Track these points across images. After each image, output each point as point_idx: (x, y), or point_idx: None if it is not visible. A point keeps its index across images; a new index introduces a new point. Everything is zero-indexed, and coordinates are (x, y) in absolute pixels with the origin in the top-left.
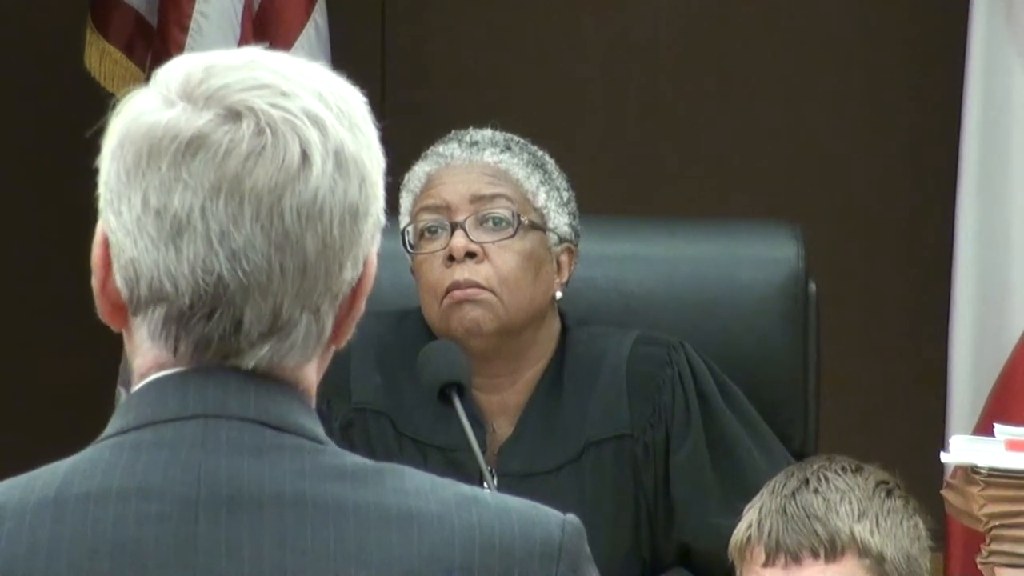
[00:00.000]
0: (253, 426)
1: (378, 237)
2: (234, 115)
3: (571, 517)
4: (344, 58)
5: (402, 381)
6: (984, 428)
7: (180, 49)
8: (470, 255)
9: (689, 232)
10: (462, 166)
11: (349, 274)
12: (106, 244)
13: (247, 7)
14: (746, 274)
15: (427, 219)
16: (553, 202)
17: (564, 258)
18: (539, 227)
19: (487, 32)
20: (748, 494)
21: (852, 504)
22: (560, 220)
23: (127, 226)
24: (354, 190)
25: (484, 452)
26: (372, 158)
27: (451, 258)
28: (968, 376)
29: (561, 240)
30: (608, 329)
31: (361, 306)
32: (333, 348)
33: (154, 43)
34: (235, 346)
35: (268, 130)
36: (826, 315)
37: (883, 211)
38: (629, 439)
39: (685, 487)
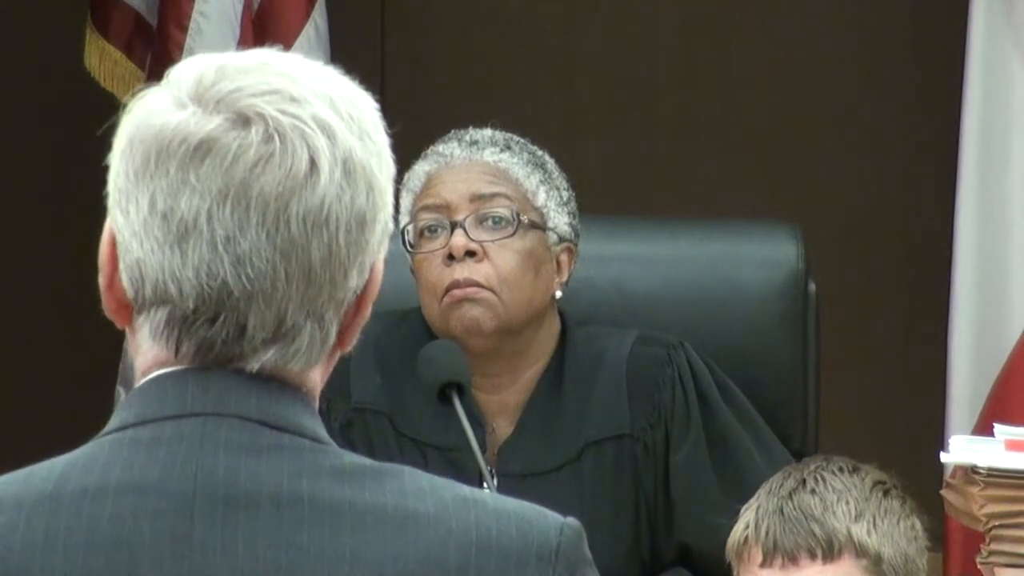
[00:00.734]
0: (252, 425)
1: (386, 243)
2: (244, 120)
3: (571, 520)
4: (344, 58)
5: (402, 381)
6: (983, 428)
7: (179, 49)
8: (470, 254)
9: (689, 232)
10: (462, 165)
11: (354, 281)
12: (113, 242)
13: (247, 7)
14: (746, 274)
15: (427, 218)
16: (553, 201)
17: (564, 257)
18: (539, 226)
19: (487, 32)
20: (748, 494)
21: (849, 504)
22: (560, 219)
23: (134, 227)
24: (362, 198)
25: (484, 452)
26: (381, 165)
27: (451, 257)
28: (968, 376)
29: (561, 239)
30: (608, 329)
31: (367, 312)
32: (338, 353)
33: (154, 43)
34: (239, 351)
35: (277, 137)
36: (826, 315)
37: (883, 211)
38: (629, 439)
39: (685, 487)
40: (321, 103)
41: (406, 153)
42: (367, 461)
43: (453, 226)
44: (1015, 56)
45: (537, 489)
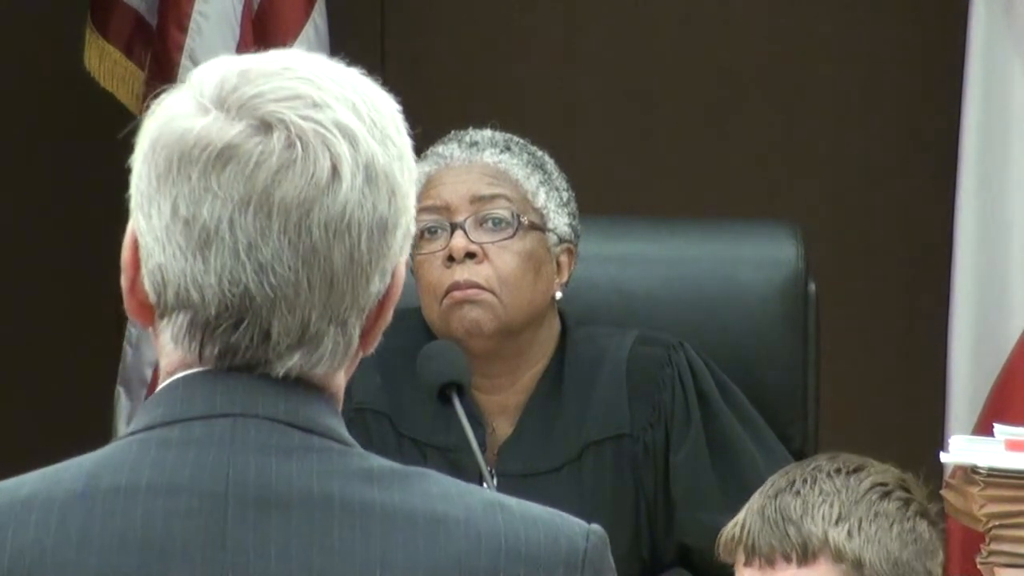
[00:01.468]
0: (281, 427)
1: (407, 247)
2: (265, 127)
3: (595, 527)
4: (344, 59)
5: (402, 381)
6: (983, 428)
7: (179, 49)
8: (470, 255)
9: (689, 232)
10: (462, 167)
11: (377, 286)
12: (135, 245)
13: (246, 7)
14: (746, 274)
15: (427, 219)
16: (553, 202)
17: (564, 258)
18: (539, 227)
19: (487, 33)
20: (747, 494)
21: (833, 508)
22: (560, 220)
23: (156, 232)
24: (383, 204)
25: (484, 452)
26: (403, 169)
27: (451, 258)
28: (967, 376)
29: (561, 240)
30: (608, 329)
31: (388, 316)
32: (360, 355)
33: (153, 43)
34: (264, 356)
35: (299, 143)
36: (826, 315)
37: (883, 211)
38: (629, 439)
39: (685, 487)
40: (343, 108)
41: None
42: (394, 464)
43: (453, 228)
44: (1015, 56)
45: (537, 489)
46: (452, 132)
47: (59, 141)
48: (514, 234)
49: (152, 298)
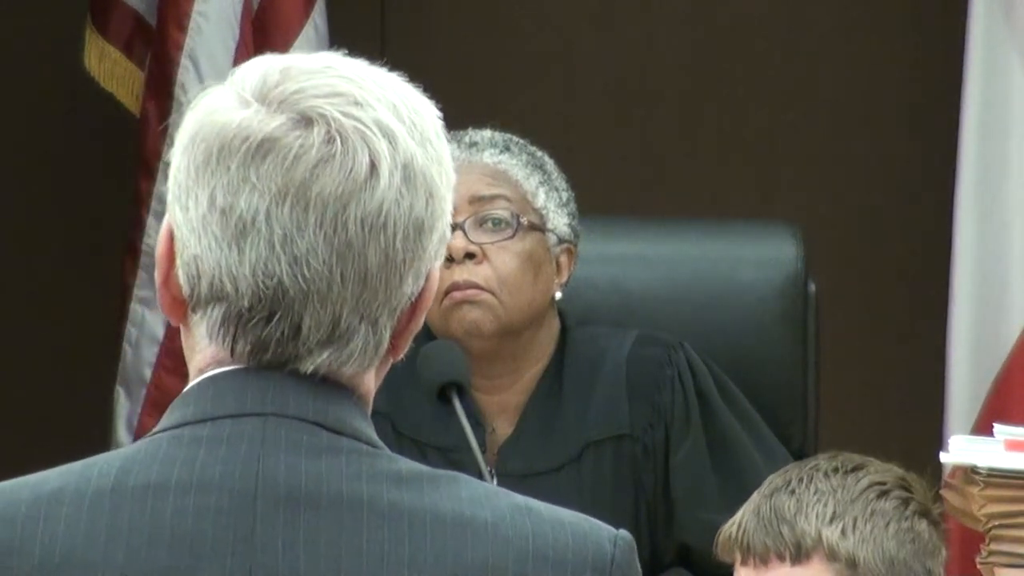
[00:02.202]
0: (311, 427)
1: (442, 252)
2: (306, 121)
3: (623, 532)
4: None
5: (402, 381)
6: (983, 428)
7: (179, 49)
8: (469, 256)
9: (689, 232)
10: (461, 167)
11: (410, 287)
12: (171, 238)
13: (246, 7)
14: (746, 274)
15: None
16: (552, 203)
17: (564, 259)
18: (538, 228)
19: (487, 33)
20: (747, 494)
21: (828, 507)
22: (559, 221)
23: (192, 223)
24: (420, 204)
25: (484, 452)
26: (442, 174)
27: (450, 259)
28: (967, 376)
29: (560, 241)
30: (608, 329)
31: (420, 320)
32: (391, 360)
33: (153, 43)
34: (293, 351)
35: (338, 138)
36: (825, 315)
37: (882, 211)
38: (629, 439)
39: (684, 487)
40: (384, 108)
41: None
42: (423, 467)
43: (452, 228)
44: (1014, 57)
45: (537, 489)
46: (451, 133)
47: (59, 141)
48: (513, 234)
49: (186, 290)
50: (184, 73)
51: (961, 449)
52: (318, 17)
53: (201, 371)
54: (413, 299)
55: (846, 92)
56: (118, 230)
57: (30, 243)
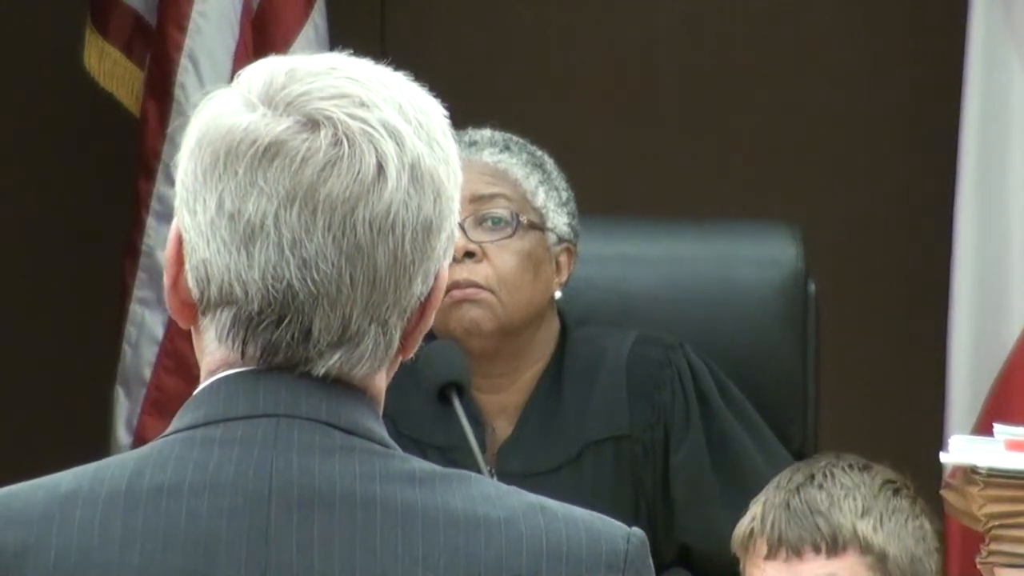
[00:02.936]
0: (324, 428)
1: (451, 252)
2: (312, 124)
3: (636, 530)
4: None
5: (401, 381)
6: (983, 428)
7: (178, 49)
8: (469, 255)
9: (689, 232)
10: (461, 166)
11: (419, 288)
12: (179, 241)
13: (246, 7)
14: (746, 274)
15: None
16: (552, 202)
17: (563, 258)
18: (538, 227)
19: (486, 33)
20: (747, 494)
21: (856, 501)
22: (559, 220)
23: (200, 227)
24: (428, 205)
25: (484, 452)
26: (449, 173)
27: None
28: (967, 376)
29: (560, 240)
30: (607, 329)
31: (430, 319)
32: (400, 359)
33: (153, 43)
34: (304, 354)
35: (345, 141)
36: (825, 315)
37: (882, 211)
38: (628, 439)
39: (684, 487)
40: (390, 108)
41: None
42: (436, 466)
43: None
44: (1014, 56)
45: (537, 489)
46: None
47: (58, 141)
48: (513, 233)
49: (195, 294)
50: (184, 73)
51: (961, 449)
52: (318, 17)
53: (211, 373)
54: (422, 299)
55: (846, 92)
56: (118, 230)
57: (30, 243)
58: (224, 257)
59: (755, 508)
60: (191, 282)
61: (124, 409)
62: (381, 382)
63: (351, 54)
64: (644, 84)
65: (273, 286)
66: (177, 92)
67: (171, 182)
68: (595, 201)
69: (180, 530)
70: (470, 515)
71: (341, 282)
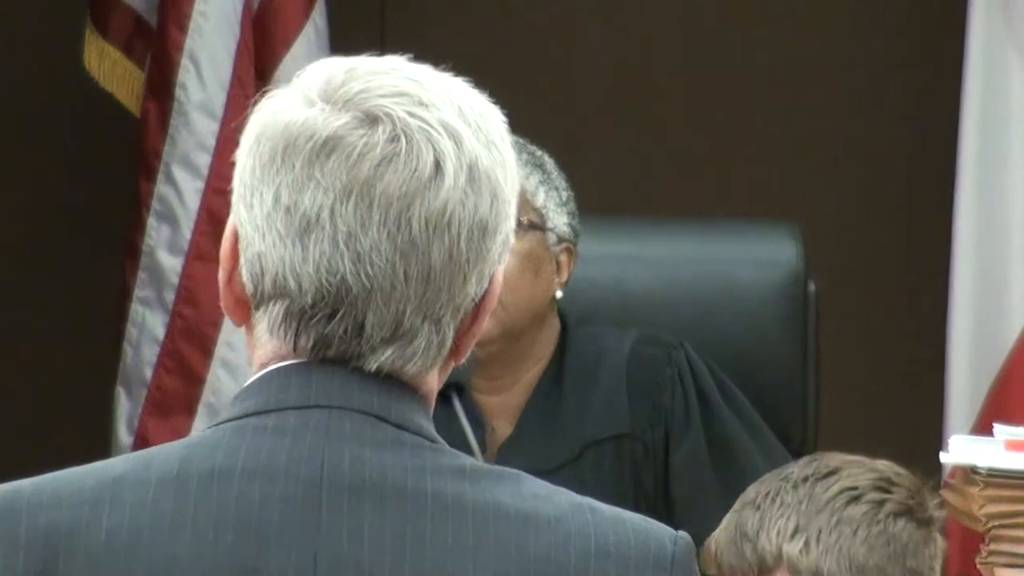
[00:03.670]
0: (375, 421)
1: (506, 256)
2: (371, 119)
3: (682, 533)
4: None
5: None
6: (983, 427)
7: (179, 49)
8: None
9: (689, 232)
10: None
11: (473, 288)
12: (235, 237)
13: (246, 7)
14: (746, 274)
15: None
16: (552, 202)
17: (563, 258)
18: (538, 227)
19: (486, 33)
20: None
21: (790, 520)
22: (559, 220)
23: (257, 221)
24: (485, 205)
25: (484, 452)
26: (506, 177)
27: None
28: (967, 375)
29: (560, 240)
30: (608, 329)
31: (484, 323)
32: (452, 363)
33: (153, 43)
34: (357, 349)
35: (403, 137)
36: (825, 315)
37: (882, 211)
38: (629, 438)
39: (684, 487)
40: (449, 109)
41: None
42: (485, 464)
43: None
44: (1014, 57)
45: None
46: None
47: (59, 141)
48: None
49: (249, 289)
50: (184, 73)
51: (961, 449)
52: (318, 17)
53: (263, 366)
54: (476, 301)
55: (846, 92)
56: (118, 231)
57: (31, 243)
58: (279, 250)
59: (719, 527)
60: (245, 276)
61: (125, 409)
62: (433, 382)
63: (350, 53)
64: (644, 84)
65: (327, 279)
66: (178, 92)
67: (171, 182)
68: (595, 201)
69: (231, 514)
70: (520, 511)
71: (395, 278)
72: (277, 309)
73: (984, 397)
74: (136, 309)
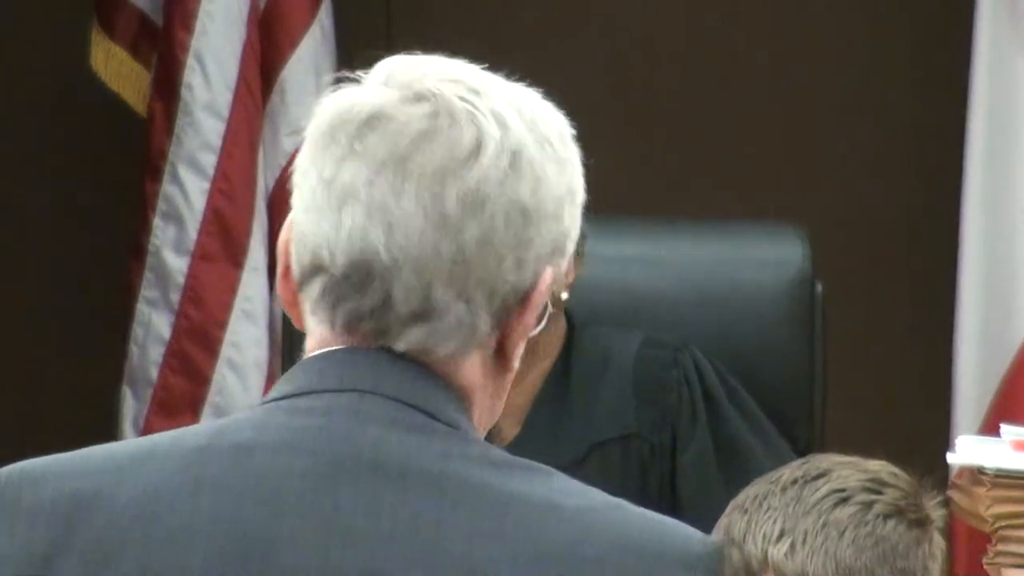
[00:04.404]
0: (406, 407)
1: (560, 260)
2: (419, 97)
3: (710, 537)
4: (350, 59)
5: None
6: (990, 428)
7: (185, 49)
8: None
9: (695, 233)
10: None
11: (512, 275)
12: (290, 227)
13: (252, 7)
14: (752, 275)
15: None
16: None
17: (572, 260)
18: None
19: (493, 33)
20: None
21: (776, 524)
22: None
23: (305, 200)
24: (526, 191)
25: None
26: (563, 175)
27: None
28: (974, 376)
29: None
30: (613, 330)
31: (530, 321)
32: (504, 371)
33: (159, 43)
34: (385, 324)
35: (446, 114)
36: (832, 316)
37: (889, 212)
38: (635, 439)
39: (691, 488)
40: (504, 102)
41: None
42: (519, 459)
43: None
44: (1020, 58)
45: None
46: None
47: (63, 141)
48: None
49: (295, 272)
50: (190, 73)
51: (968, 449)
52: (325, 17)
53: (309, 354)
54: (521, 294)
55: (853, 93)
56: (124, 231)
57: (36, 243)
58: (317, 223)
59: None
60: (293, 260)
61: (131, 409)
62: (472, 375)
63: (357, 54)
64: (650, 85)
65: (360, 248)
66: (184, 92)
67: (177, 182)
68: (600, 201)
69: (252, 483)
70: (543, 501)
71: (424, 249)
72: (316, 286)
73: (991, 398)
74: (142, 309)
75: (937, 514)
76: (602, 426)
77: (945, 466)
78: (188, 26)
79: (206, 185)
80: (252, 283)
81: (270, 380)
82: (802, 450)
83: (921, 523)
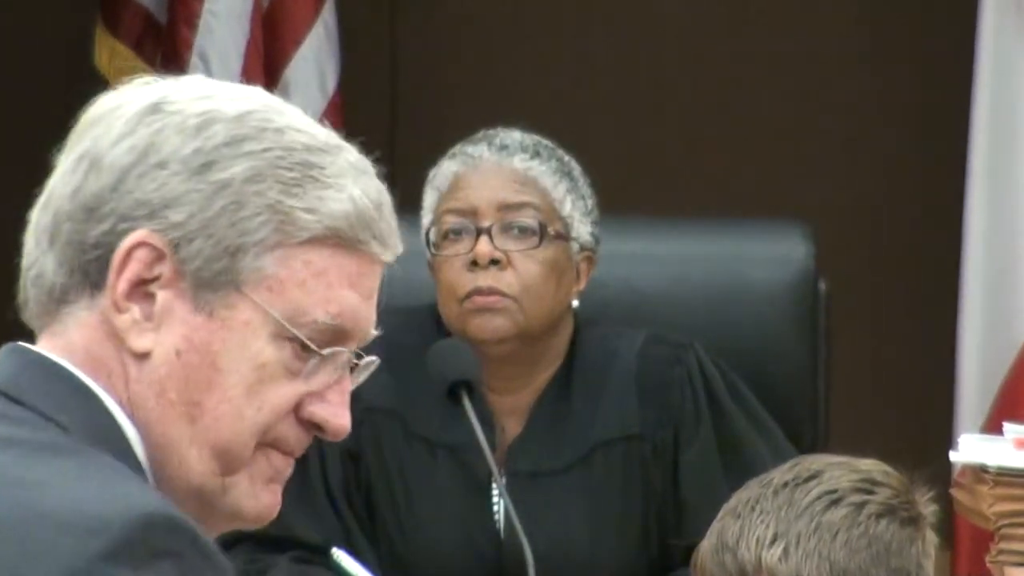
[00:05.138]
0: None
1: (123, 231)
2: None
3: (151, 512)
4: (353, 57)
5: (411, 380)
6: (993, 426)
7: (189, 48)
8: (494, 262)
9: (699, 231)
10: (491, 169)
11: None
12: None
13: (256, 5)
14: (756, 273)
15: (452, 221)
16: (578, 211)
17: (583, 265)
18: (563, 237)
19: (496, 31)
20: None
21: (769, 528)
22: (583, 229)
23: None
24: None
25: (494, 451)
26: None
27: (474, 263)
28: (977, 375)
29: (582, 248)
30: (617, 329)
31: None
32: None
33: (163, 41)
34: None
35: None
36: (836, 314)
37: (893, 210)
38: (638, 439)
39: (694, 487)
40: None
41: (418, 149)
42: (62, 440)
43: (479, 232)
44: None
45: (546, 489)
46: (482, 132)
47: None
48: (539, 243)
49: None
50: (194, 71)
51: (971, 448)
52: (328, 15)
53: None
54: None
55: (857, 90)
56: None
57: None
58: None
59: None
60: None
61: None
62: (86, 337)
63: (360, 52)
64: (655, 83)
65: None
66: None
67: None
68: (605, 200)
69: None
70: (13, 478)
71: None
72: None
73: (994, 396)
74: None
75: (929, 510)
76: (605, 426)
77: (948, 464)
78: (192, 24)
79: None
80: None
81: None
82: (806, 448)
83: (914, 521)
